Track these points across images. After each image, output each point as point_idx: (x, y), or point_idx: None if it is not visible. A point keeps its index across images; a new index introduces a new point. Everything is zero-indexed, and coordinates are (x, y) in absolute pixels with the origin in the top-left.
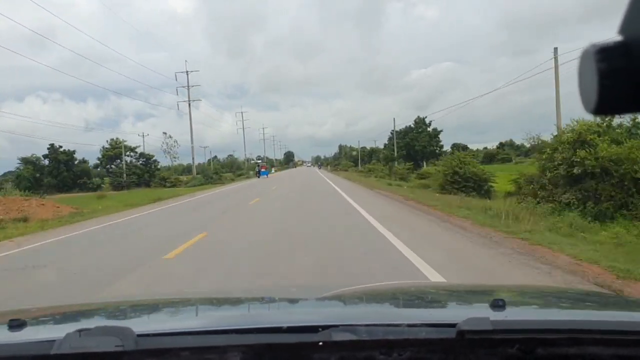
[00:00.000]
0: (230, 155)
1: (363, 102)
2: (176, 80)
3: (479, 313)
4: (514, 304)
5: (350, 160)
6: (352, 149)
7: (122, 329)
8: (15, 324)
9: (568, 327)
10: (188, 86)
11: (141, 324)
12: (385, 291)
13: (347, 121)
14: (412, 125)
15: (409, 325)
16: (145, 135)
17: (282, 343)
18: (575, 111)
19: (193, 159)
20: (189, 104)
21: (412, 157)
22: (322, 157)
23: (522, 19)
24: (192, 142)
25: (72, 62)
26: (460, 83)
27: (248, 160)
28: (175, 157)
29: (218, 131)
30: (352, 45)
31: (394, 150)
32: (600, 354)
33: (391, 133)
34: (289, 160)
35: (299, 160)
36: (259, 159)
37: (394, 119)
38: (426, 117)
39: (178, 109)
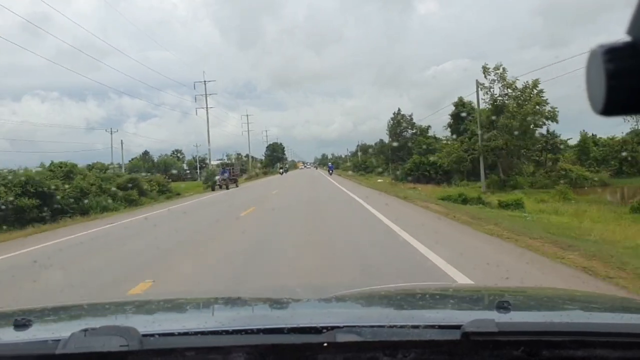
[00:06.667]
0: None
1: (374, 100)
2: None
3: (484, 315)
4: (519, 306)
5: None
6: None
7: (127, 329)
8: (21, 323)
9: (573, 329)
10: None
11: (146, 324)
12: (389, 293)
13: (356, 120)
14: None
15: (414, 327)
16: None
17: (286, 344)
18: None
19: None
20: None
21: None
22: (331, 156)
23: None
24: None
25: (71, 55)
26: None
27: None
28: None
29: (224, 131)
30: (364, 38)
31: None
32: (606, 357)
33: None
34: (275, 158)
35: (299, 162)
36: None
37: None
38: None
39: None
